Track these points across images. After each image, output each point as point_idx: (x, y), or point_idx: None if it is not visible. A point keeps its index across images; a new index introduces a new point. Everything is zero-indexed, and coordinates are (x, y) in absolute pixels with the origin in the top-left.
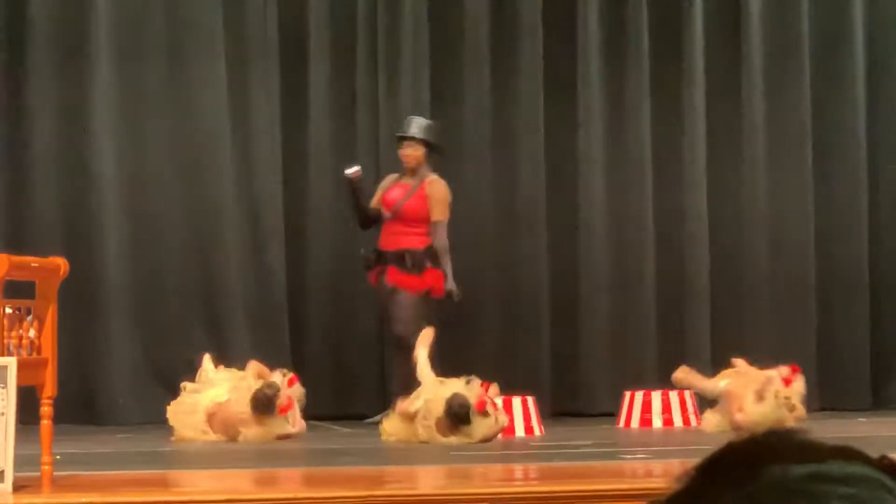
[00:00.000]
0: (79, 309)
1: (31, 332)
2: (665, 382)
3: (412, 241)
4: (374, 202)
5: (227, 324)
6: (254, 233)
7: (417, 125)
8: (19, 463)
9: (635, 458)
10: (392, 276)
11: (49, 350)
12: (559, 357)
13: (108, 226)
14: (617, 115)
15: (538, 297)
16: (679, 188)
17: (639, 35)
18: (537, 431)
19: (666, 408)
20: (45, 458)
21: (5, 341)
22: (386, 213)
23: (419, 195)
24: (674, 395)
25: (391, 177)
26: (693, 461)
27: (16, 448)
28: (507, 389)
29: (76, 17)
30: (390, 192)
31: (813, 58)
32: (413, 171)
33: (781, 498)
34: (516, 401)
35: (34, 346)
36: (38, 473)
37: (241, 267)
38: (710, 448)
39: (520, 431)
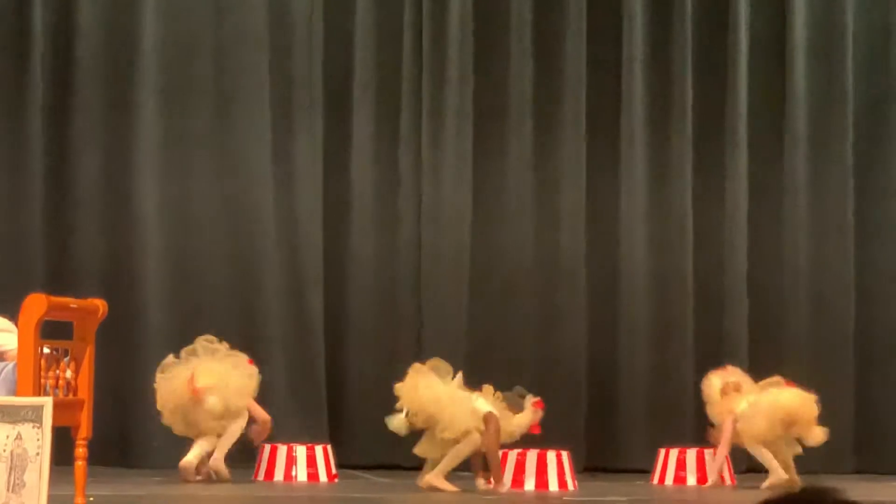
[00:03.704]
0: (116, 350)
1: (68, 373)
2: (701, 441)
3: None
4: None
5: (264, 368)
6: (294, 278)
7: None
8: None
9: None
10: None
11: (85, 391)
12: (595, 412)
13: (149, 268)
14: (659, 172)
15: (577, 351)
16: (719, 246)
17: (683, 94)
18: (571, 486)
19: (700, 465)
20: (79, 500)
21: (42, 381)
22: None
23: None
24: (708, 454)
25: None
26: None
27: (50, 489)
28: (542, 443)
29: (123, 60)
30: None
31: (856, 119)
32: None
33: None
34: (551, 455)
35: (70, 387)
36: None
37: (280, 311)
38: None
39: (553, 486)
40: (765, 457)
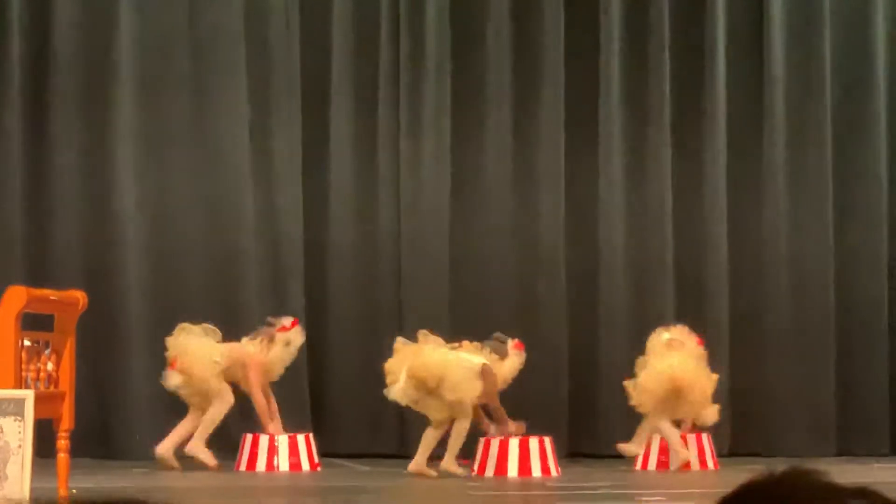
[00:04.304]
0: (97, 343)
1: (49, 366)
2: (682, 426)
3: None
4: None
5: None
6: (274, 270)
7: None
8: (36, 496)
9: (653, 501)
10: None
11: (66, 383)
12: (577, 398)
13: (129, 261)
14: (638, 160)
15: (557, 339)
16: (699, 233)
17: (661, 82)
18: (554, 472)
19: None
20: (62, 492)
21: (23, 374)
22: None
23: None
24: (691, 438)
25: None
26: None
27: (32, 481)
28: (525, 431)
29: (99, 53)
30: None
31: (834, 102)
32: None
33: None
34: (533, 441)
35: (52, 380)
36: None
37: (260, 304)
38: (727, 490)
39: (536, 472)
40: (665, 431)
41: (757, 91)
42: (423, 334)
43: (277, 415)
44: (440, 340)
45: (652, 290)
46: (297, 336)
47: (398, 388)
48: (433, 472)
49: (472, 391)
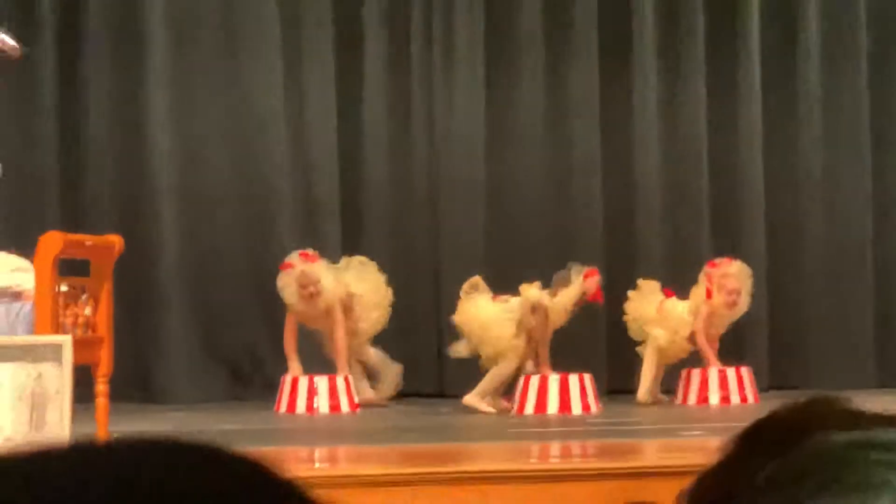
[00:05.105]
0: (134, 288)
1: (87, 311)
2: (723, 360)
3: None
4: None
5: (281, 306)
6: (308, 213)
7: None
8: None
9: (692, 435)
10: None
11: (104, 328)
12: (616, 335)
13: (164, 205)
14: (671, 94)
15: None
16: (734, 166)
17: (694, 13)
18: (594, 408)
19: (723, 385)
20: (102, 437)
21: (60, 320)
22: None
23: None
24: (731, 373)
25: None
26: None
27: (72, 426)
28: (564, 367)
29: None
30: None
31: (870, 32)
32: None
33: (822, 464)
34: (573, 378)
35: (89, 325)
36: None
37: (296, 245)
38: None
39: (577, 409)
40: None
41: (792, 20)
42: (470, 285)
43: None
44: (486, 292)
45: (687, 226)
46: None
47: (460, 346)
48: (489, 408)
49: (507, 341)
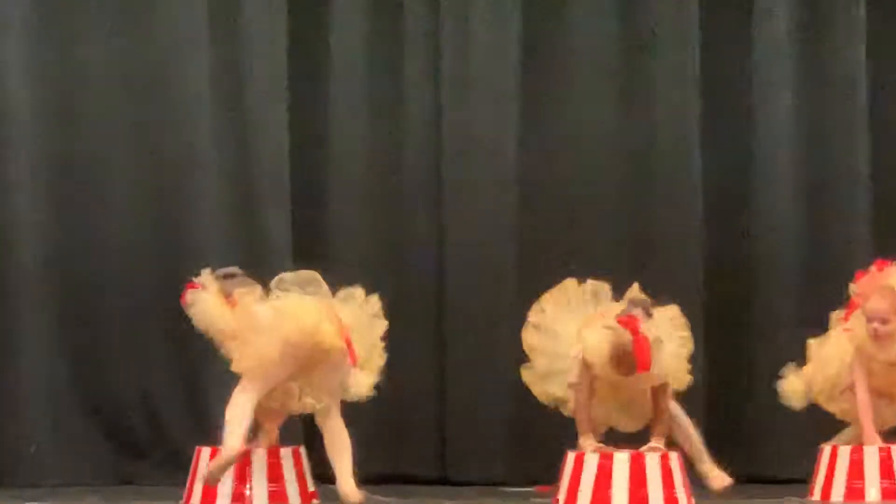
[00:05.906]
0: None
1: None
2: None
3: None
4: None
5: (198, 336)
6: (245, 194)
7: None
8: None
9: None
10: None
11: None
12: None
13: (18, 189)
14: None
15: (689, 291)
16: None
17: None
18: None
19: (887, 472)
20: None
21: None
22: None
23: None
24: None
25: None
26: None
27: None
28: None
29: None
30: None
31: None
32: None
33: None
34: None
35: None
36: None
37: (226, 240)
38: None
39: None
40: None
41: None
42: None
43: None
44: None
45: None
46: None
47: None
48: None
49: None
